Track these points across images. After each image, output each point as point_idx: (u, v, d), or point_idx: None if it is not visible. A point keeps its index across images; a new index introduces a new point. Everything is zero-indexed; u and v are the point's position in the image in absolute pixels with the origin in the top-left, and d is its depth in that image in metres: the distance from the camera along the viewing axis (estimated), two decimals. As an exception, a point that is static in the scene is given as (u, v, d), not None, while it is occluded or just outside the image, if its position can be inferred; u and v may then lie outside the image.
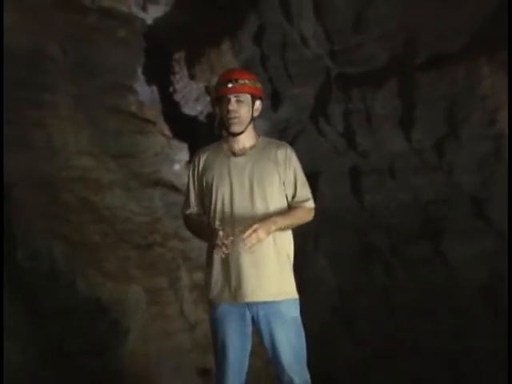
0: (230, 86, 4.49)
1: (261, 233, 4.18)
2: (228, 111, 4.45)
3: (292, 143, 4.99)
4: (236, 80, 4.50)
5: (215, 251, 4.18)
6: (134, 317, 7.32)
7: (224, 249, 4.12)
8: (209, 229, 4.36)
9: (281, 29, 7.80)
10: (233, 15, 7.98)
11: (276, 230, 4.30)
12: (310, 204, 4.49)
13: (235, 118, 4.46)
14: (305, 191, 4.57)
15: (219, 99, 4.52)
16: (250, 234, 4.11)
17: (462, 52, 6.56)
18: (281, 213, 4.39)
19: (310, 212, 4.50)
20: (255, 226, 4.13)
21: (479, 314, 7.44)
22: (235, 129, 4.47)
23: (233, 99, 4.47)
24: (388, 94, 7.26)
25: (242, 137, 4.58)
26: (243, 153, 4.57)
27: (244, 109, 4.47)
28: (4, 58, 7.16)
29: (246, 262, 4.52)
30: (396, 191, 7.88)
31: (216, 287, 4.61)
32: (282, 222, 4.35)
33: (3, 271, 6.79)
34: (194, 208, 4.62)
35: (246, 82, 4.53)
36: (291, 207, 4.49)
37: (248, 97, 4.51)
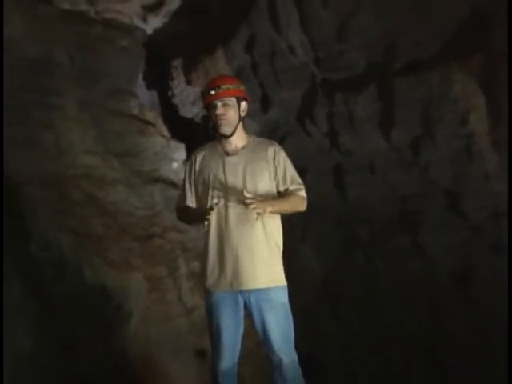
0: (213, 92, 4.53)
1: (261, 205, 4.23)
2: (216, 115, 4.50)
3: (281, 143, 4.97)
4: (219, 87, 4.55)
5: (208, 217, 4.30)
6: (136, 302, 7.33)
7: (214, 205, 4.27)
8: (201, 211, 4.44)
9: (270, 38, 7.80)
10: (226, 26, 7.99)
11: (272, 211, 4.36)
12: (303, 193, 4.55)
13: (223, 120, 4.50)
14: (296, 182, 4.62)
15: (208, 106, 4.57)
16: (251, 203, 4.16)
17: (436, 59, 6.55)
18: (277, 198, 4.46)
19: (303, 201, 4.55)
20: (257, 200, 4.19)
21: (452, 298, 7.48)
22: (225, 130, 4.52)
23: (219, 104, 4.51)
24: (368, 98, 7.27)
25: (233, 138, 4.63)
26: (236, 152, 4.62)
27: (231, 111, 4.52)
28: (15, 65, 7.17)
29: (240, 253, 4.57)
30: (376, 186, 7.92)
31: (212, 276, 4.66)
32: (278, 205, 4.41)
33: (19, 259, 6.81)
34: (189, 202, 4.67)
35: (229, 86, 4.58)
36: (286, 195, 4.55)
37: (233, 100, 4.56)
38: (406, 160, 7.37)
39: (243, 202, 4.33)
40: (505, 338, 6.78)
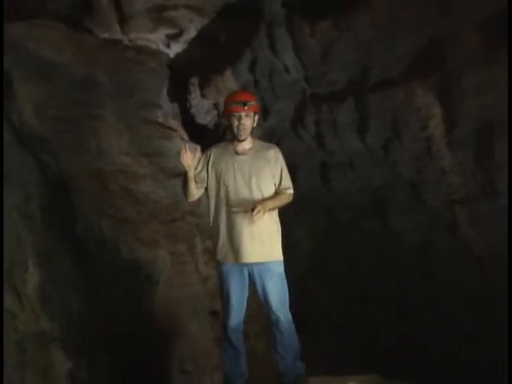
0: (244, 107, 4.67)
1: (262, 211, 4.44)
2: (239, 124, 4.62)
3: (277, 144, 5.05)
4: (248, 102, 4.68)
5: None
6: (162, 273, 7.37)
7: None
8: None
9: (269, 61, 7.79)
10: (233, 51, 7.98)
11: (269, 209, 4.51)
12: (291, 191, 4.75)
13: (244, 129, 4.64)
14: (287, 181, 4.80)
15: (230, 114, 4.68)
16: (257, 213, 4.40)
17: (402, 78, 6.54)
18: (271, 197, 4.64)
19: (290, 196, 4.78)
20: (259, 207, 4.44)
21: (414, 268, 7.54)
22: (243, 137, 4.67)
23: (243, 115, 4.64)
24: (348, 109, 7.25)
25: (244, 142, 4.76)
26: (244, 153, 4.77)
27: (249, 122, 4.66)
28: (66, 84, 7.21)
29: (246, 232, 4.72)
30: (354, 180, 7.91)
31: (222, 251, 4.81)
32: (273, 204, 4.63)
33: (68, 238, 6.85)
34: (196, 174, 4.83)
35: (253, 103, 4.72)
36: (277, 193, 4.70)
37: (252, 113, 4.69)
38: (378, 158, 7.37)
39: (250, 209, 4.55)
40: (454, 301, 6.90)
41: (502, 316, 6.18)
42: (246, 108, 4.61)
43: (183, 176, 4.88)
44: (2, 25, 6.43)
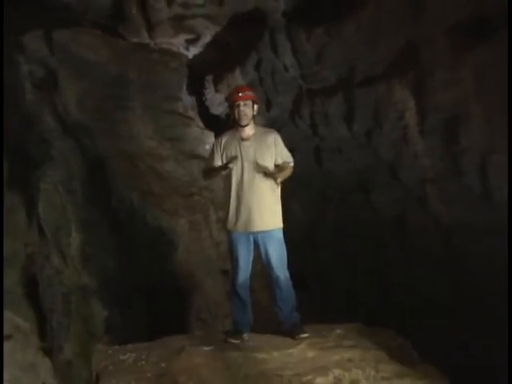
0: (240, 95, 4.76)
1: (279, 175, 4.73)
2: (239, 111, 4.71)
3: (278, 131, 5.13)
4: (243, 92, 4.77)
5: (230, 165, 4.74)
6: (182, 238, 7.50)
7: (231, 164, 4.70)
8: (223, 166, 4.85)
9: (271, 61, 7.78)
10: (242, 53, 7.98)
11: (280, 177, 4.72)
12: (292, 163, 4.86)
13: (244, 115, 4.72)
14: (288, 156, 4.88)
15: (232, 104, 4.78)
16: (278, 178, 4.74)
17: (382, 76, 6.49)
18: (280, 169, 4.81)
19: (292, 169, 4.93)
20: (277, 175, 4.73)
21: (393, 236, 7.54)
22: (244, 122, 4.75)
23: (241, 103, 4.73)
24: (337, 102, 7.22)
25: (247, 128, 4.86)
26: (248, 138, 4.87)
27: (249, 110, 4.75)
28: (103, 81, 7.25)
29: (251, 206, 4.83)
30: (342, 162, 7.89)
31: (232, 222, 4.92)
32: (284, 174, 4.83)
33: (104, 208, 6.94)
34: (218, 162, 4.91)
35: (249, 93, 4.81)
36: (282, 167, 4.81)
37: (250, 102, 4.79)
38: (362, 144, 7.32)
39: (267, 174, 4.65)
40: (425, 264, 6.92)
41: (464, 275, 6.31)
42: (240, 95, 4.75)
43: (213, 168, 4.98)
44: (2, 27, 6.35)
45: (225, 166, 4.77)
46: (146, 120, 7.71)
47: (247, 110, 4.80)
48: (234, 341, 5.01)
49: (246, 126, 4.85)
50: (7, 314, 4.79)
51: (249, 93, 4.85)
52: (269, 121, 8.10)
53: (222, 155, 4.93)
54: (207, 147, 7.98)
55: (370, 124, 7.00)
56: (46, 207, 7.10)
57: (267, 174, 4.72)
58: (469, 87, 5.62)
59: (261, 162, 4.78)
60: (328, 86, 7.32)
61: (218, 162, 4.93)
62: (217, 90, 8.52)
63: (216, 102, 8.76)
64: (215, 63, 8.40)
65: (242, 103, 4.78)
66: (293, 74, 7.70)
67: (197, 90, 8.70)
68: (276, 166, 4.83)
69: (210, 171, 5.08)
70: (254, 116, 4.92)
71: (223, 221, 5.18)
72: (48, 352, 5.37)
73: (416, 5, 5.81)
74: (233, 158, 4.74)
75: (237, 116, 4.81)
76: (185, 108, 8.29)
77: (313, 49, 7.05)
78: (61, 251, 6.98)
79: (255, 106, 4.89)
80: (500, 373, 4.62)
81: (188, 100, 8.50)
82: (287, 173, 4.86)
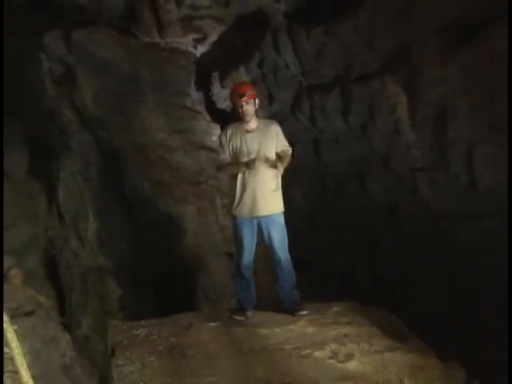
0: (244, 98, 4.78)
1: (281, 164, 4.71)
2: (243, 111, 4.73)
3: (280, 124, 5.15)
4: (245, 93, 4.79)
5: (241, 170, 4.78)
6: (190, 223, 7.50)
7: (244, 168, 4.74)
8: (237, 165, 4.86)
9: (273, 59, 7.78)
10: (246, 52, 7.99)
11: (281, 165, 4.74)
12: (290, 151, 4.88)
13: (247, 114, 4.75)
14: (288, 146, 4.91)
15: (235, 104, 4.82)
16: (279, 166, 4.73)
17: (376, 73, 6.49)
18: (281, 158, 4.78)
19: (291, 155, 4.96)
20: (279, 163, 4.72)
21: (385, 222, 7.53)
22: (248, 119, 4.78)
23: (244, 103, 4.75)
24: (335, 97, 7.22)
25: (250, 122, 4.89)
26: (252, 131, 4.91)
27: (251, 107, 4.78)
28: (117, 78, 7.24)
29: (255, 193, 4.86)
30: (339, 153, 7.87)
31: (237, 208, 4.97)
32: (285, 162, 4.83)
33: (119, 196, 6.95)
34: (228, 157, 4.92)
35: (251, 92, 4.83)
36: (282, 155, 4.83)
37: (252, 100, 4.79)
38: (357, 136, 7.32)
39: (272, 163, 4.66)
40: (415, 247, 6.93)
41: (452, 256, 6.33)
42: (244, 99, 4.78)
43: (233, 168, 5.00)
44: (2, 28, 6.33)
45: (247, 166, 4.76)
46: (158, 114, 7.70)
47: (250, 107, 4.83)
48: (238, 317, 5.08)
49: (250, 120, 4.91)
50: (30, 292, 4.89)
51: (250, 92, 4.86)
52: (271, 114, 8.03)
53: (228, 147, 4.97)
54: (214, 138, 8.01)
55: (365, 117, 6.98)
56: (65, 194, 7.19)
57: (270, 163, 4.77)
58: (456, 84, 5.66)
59: (264, 152, 4.82)
60: (326, 82, 7.31)
61: (227, 153, 4.98)
62: (223, 86, 8.50)
63: (222, 97, 8.73)
64: (221, 61, 8.38)
65: (244, 103, 4.82)
66: (293, 71, 7.69)
67: (204, 85, 8.68)
68: (276, 153, 4.87)
69: (226, 167, 5.08)
70: (256, 110, 4.97)
71: (229, 207, 5.23)
72: (67, 327, 5.45)
73: (408, 7, 5.82)
74: (251, 162, 4.73)
75: (241, 115, 4.86)
76: (193, 102, 8.29)
77: (312, 48, 7.05)
78: (79, 235, 7.06)
79: (256, 102, 4.92)
80: (487, 340, 4.84)
81: (196, 95, 8.49)
82: (287, 160, 4.90)
